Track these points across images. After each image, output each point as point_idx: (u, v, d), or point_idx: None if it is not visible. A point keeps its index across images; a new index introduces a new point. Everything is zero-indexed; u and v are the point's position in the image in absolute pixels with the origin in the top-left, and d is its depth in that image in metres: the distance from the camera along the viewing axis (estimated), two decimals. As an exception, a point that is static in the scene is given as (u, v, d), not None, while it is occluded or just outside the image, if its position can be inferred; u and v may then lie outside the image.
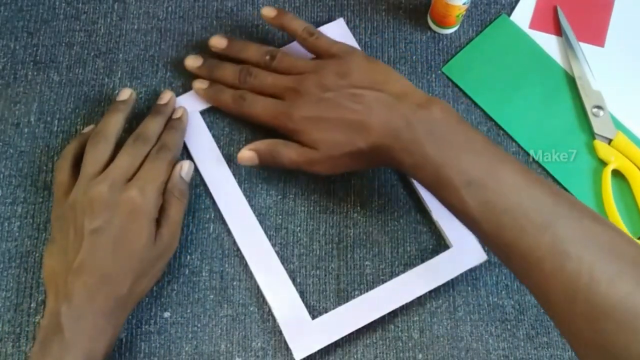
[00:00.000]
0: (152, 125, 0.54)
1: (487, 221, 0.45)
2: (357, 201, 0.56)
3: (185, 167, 0.53)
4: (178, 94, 0.58)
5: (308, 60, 0.55)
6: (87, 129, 0.56)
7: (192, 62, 0.57)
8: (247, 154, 0.54)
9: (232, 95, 0.55)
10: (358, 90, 0.51)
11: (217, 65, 0.57)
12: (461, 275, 0.53)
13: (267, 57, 0.55)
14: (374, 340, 0.53)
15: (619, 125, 0.58)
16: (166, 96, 0.56)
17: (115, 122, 0.53)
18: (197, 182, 0.56)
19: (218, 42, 0.57)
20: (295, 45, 0.59)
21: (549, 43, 0.61)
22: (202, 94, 0.57)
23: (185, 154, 0.57)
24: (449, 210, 0.48)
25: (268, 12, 0.57)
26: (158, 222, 0.50)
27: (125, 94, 0.56)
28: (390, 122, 0.49)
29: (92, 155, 0.51)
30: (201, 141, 0.57)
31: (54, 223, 0.51)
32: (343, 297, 0.54)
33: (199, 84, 0.57)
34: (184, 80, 0.59)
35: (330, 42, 0.55)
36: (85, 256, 0.47)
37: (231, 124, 0.58)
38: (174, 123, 0.56)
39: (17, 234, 0.55)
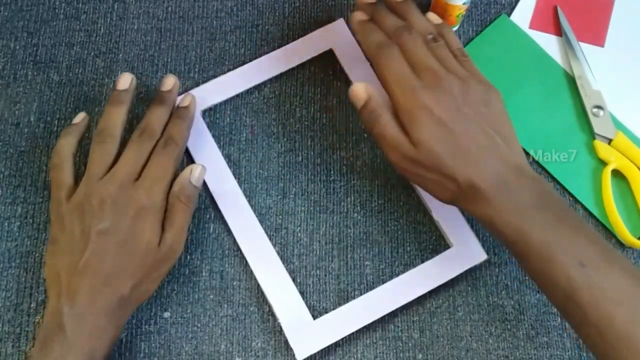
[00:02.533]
0: (157, 117, 0.53)
1: (595, 308, 0.43)
2: (357, 201, 0.56)
3: (196, 173, 0.52)
4: (177, 94, 0.58)
5: (462, 67, 0.51)
6: (78, 119, 0.54)
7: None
8: (362, 89, 0.50)
9: (380, 40, 0.50)
10: (488, 126, 0.47)
11: (384, 8, 0.53)
12: (461, 275, 0.54)
13: (431, 36, 0.51)
14: (374, 340, 0.53)
15: (619, 125, 0.58)
16: (169, 81, 0.55)
17: (119, 116, 0.52)
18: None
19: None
20: (295, 45, 0.59)
21: (549, 43, 0.61)
22: (356, 26, 0.53)
23: (185, 154, 0.57)
24: (539, 283, 0.46)
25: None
26: (163, 225, 0.50)
27: (126, 81, 0.54)
28: (502, 175, 0.46)
29: (98, 155, 0.51)
30: (201, 141, 0.57)
31: (54, 223, 0.50)
32: (343, 297, 0.54)
33: (359, 15, 0.53)
34: (184, 80, 0.59)
35: (474, 67, 0.52)
36: (91, 257, 0.47)
37: (231, 124, 0.58)
38: (180, 112, 0.54)
39: (17, 234, 0.55)
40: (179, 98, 0.56)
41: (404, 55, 0.50)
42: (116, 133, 0.52)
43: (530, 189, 0.46)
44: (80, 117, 0.55)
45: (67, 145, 0.52)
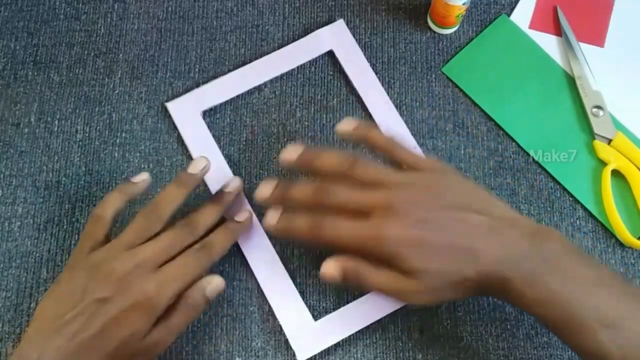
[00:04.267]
0: (208, 216, 0.51)
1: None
2: (357, 201, 0.56)
3: (212, 284, 0.49)
4: (177, 94, 0.58)
5: (395, 171, 0.48)
6: (138, 179, 0.52)
7: (263, 191, 0.50)
8: (331, 268, 0.46)
9: (307, 222, 0.48)
10: (460, 212, 0.45)
11: (287, 186, 0.49)
12: (461, 275, 0.54)
13: (346, 166, 0.48)
14: (374, 340, 0.53)
15: (618, 126, 0.58)
16: (234, 184, 0.53)
17: (175, 199, 0.50)
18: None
19: (289, 155, 0.50)
20: (295, 46, 0.59)
21: (548, 43, 0.61)
22: (273, 231, 0.50)
23: (186, 154, 0.57)
24: (576, 352, 0.44)
25: (345, 126, 0.51)
26: (158, 319, 0.47)
27: (198, 166, 0.52)
28: (504, 250, 0.44)
29: (138, 226, 0.49)
30: (201, 141, 0.57)
31: (67, 268, 0.49)
32: (343, 297, 0.54)
33: (269, 219, 0.49)
34: (184, 80, 0.59)
35: (417, 156, 0.49)
36: (76, 318, 0.46)
37: (231, 124, 0.58)
38: (232, 227, 0.52)
39: (17, 234, 0.55)
40: (239, 213, 0.54)
41: (340, 210, 0.47)
42: (165, 215, 0.50)
43: (539, 251, 0.44)
44: (141, 178, 0.52)
45: (115, 201, 0.50)
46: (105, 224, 0.50)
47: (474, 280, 0.44)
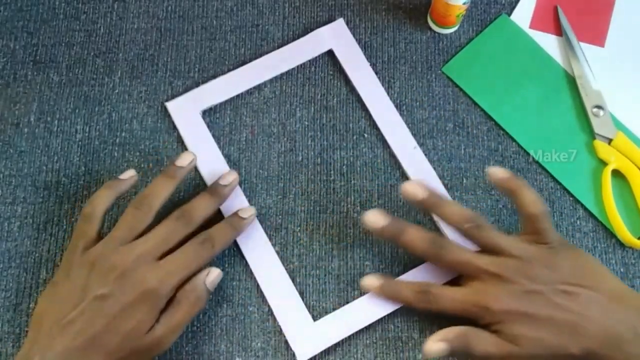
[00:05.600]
0: (203, 207, 0.51)
1: None
2: (357, 201, 0.56)
3: (212, 276, 0.49)
4: (177, 94, 0.58)
5: (514, 240, 0.49)
6: (125, 175, 0.52)
7: (377, 220, 0.50)
8: (436, 347, 0.47)
9: (413, 289, 0.50)
10: (569, 287, 0.47)
11: (402, 227, 0.50)
12: (461, 275, 0.53)
13: (469, 224, 0.49)
14: (374, 340, 0.53)
15: (619, 125, 0.58)
16: (230, 177, 0.53)
17: (164, 189, 0.51)
18: (197, 182, 0.56)
19: (415, 190, 0.50)
20: (295, 45, 0.59)
21: (549, 43, 0.61)
22: (377, 292, 0.51)
23: (183, 150, 0.57)
24: None
25: (501, 173, 0.50)
26: (159, 315, 0.47)
27: (186, 159, 0.52)
28: (611, 329, 0.45)
29: (129, 220, 0.49)
30: (201, 141, 0.57)
31: (62, 268, 0.49)
32: (343, 297, 0.54)
33: (370, 281, 0.51)
34: (184, 80, 0.59)
35: (546, 231, 0.49)
36: (78, 317, 0.46)
37: (231, 123, 0.58)
38: (236, 222, 0.52)
39: (17, 234, 0.55)
40: (242, 208, 0.54)
41: (449, 267, 0.50)
42: (155, 205, 0.50)
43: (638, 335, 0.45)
44: (128, 175, 0.52)
45: (104, 198, 0.51)
46: (96, 221, 0.50)
47: (577, 357, 0.45)
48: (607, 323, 0.46)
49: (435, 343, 0.47)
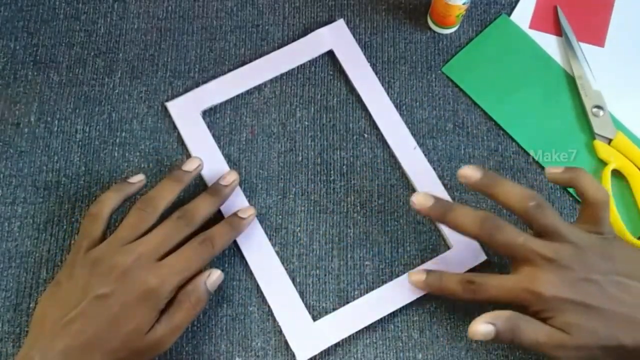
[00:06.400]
0: (204, 207, 0.51)
1: None
2: (357, 201, 0.56)
3: (213, 277, 0.49)
4: (177, 94, 0.58)
5: (572, 226, 0.48)
6: (134, 179, 0.53)
7: (424, 202, 0.49)
8: (483, 329, 0.45)
9: (458, 280, 0.48)
10: (623, 278, 0.46)
11: (450, 206, 0.49)
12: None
13: (533, 203, 0.47)
14: (374, 340, 0.53)
15: (619, 125, 0.58)
16: (230, 177, 0.53)
17: (170, 192, 0.51)
18: (198, 182, 0.56)
19: (469, 172, 0.49)
20: (295, 46, 0.59)
21: (549, 43, 0.61)
22: (422, 286, 0.51)
23: (186, 154, 0.57)
24: None
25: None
26: (160, 315, 0.47)
27: (193, 164, 0.53)
28: None
29: (133, 221, 0.49)
30: (201, 141, 0.57)
31: (65, 268, 0.49)
32: (343, 297, 0.54)
33: (416, 276, 0.51)
34: (184, 80, 0.59)
35: (601, 220, 0.48)
36: (78, 317, 0.46)
37: (231, 123, 0.58)
38: (235, 222, 0.52)
39: (17, 234, 0.55)
40: (241, 208, 0.54)
41: (499, 250, 0.48)
42: (160, 207, 0.50)
43: None
44: (136, 179, 0.53)
45: (110, 200, 0.51)
46: (101, 222, 0.50)
47: (629, 350, 0.45)
48: None
49: (483, 324, 0.45)
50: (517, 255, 0.47)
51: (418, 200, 0.50)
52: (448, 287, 0.49)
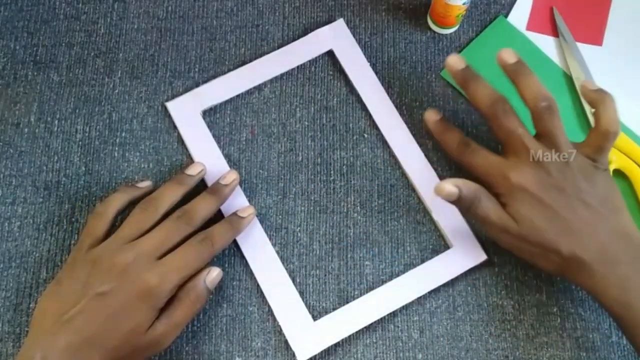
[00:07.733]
0: (204, 207, 0.52)
1: None
2: (357, 201, 0.56)
3: (212, 275, 0.50)
4: (177, 94, 0.58)
5: (572, 144, 0.50)
6: (142, 184, 0.54)
7: (456, 65, 0.52)
8: (449, 188, 0.49)
9: (459, 139, 0.52)
10: (593, 202, 0.48)
11: (474, 75, 0.52)
12: (461, 275, 0.54)
13: (544, 104, 0.49)
14: (374, 340, 0.53)
15: (618, 125, 0.58)
16: (230, 177, 0.54)
17: (173, 194, 0.52)
18: (198, 182, 0.56)
19: (508, 56, 0.52)
20: (295, 46, 0.59)
21: (546, 44, 0.61)
22: (432, 125, 0.54)
23: (186, 154, 0.57)
24: None
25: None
26: (160, 311, 0.48)
27: (196, 169, 0.54)
28: (610, 251, 0.47)
29: (135, 220, 0.50)
30: (201, 141, 0.57)
31: (67, 265, 0.49)
32: (343, 297, 0.54)
33: (433, 116, 0.54)
34: (184, 80, 0.59)
35: (604, 147, 0.50)
36: (78, 314, 0.46)
37: (231, 123, 0.58)
38: (234, 220, 0.53)
39: (17, 234, 0.55)
40: (241, 208, 0.54)
41: (498, 132, 0.50)
42: (162, 208, 0.51)
43: (637, 259, 0.46)
44: (145, 184, 0.54)
45: (117, 200, 0.51)
46: (106, 221, 0.50)
47: (563, 258, 0.47)
48: (607, 244, 0.47)
49: (451, 185, 0.49)
50: (510, 142, 0.50)
51: (452, 60, 0.52)
52: (447, 138, 0.53)
